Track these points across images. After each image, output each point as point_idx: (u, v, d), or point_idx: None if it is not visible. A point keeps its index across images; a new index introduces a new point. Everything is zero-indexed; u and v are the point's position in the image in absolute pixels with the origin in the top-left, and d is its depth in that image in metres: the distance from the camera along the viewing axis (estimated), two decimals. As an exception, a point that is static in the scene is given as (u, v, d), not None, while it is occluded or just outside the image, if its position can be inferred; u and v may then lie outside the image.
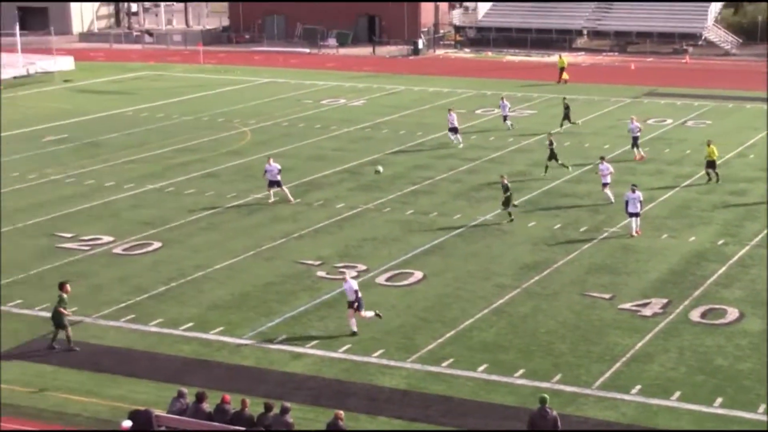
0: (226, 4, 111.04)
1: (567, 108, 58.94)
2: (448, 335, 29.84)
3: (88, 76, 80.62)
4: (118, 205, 43.37)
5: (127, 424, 22.59)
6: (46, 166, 49.89)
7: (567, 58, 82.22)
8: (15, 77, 78.48)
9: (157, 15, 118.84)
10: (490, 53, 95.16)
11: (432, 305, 32.26)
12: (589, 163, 50.76)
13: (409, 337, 29.72)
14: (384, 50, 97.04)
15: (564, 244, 38.28)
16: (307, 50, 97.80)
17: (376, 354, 28.53)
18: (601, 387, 26.60)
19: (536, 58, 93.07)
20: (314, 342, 29.27)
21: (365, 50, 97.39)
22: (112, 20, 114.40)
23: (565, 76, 78.14)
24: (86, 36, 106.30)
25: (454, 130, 54.39)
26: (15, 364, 27.72)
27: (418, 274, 35.02)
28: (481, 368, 27.62)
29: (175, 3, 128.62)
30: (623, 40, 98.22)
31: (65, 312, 28.81)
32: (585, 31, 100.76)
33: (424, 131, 58.83)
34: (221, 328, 30.24)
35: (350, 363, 28.00)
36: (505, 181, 41.01)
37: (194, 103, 68.87)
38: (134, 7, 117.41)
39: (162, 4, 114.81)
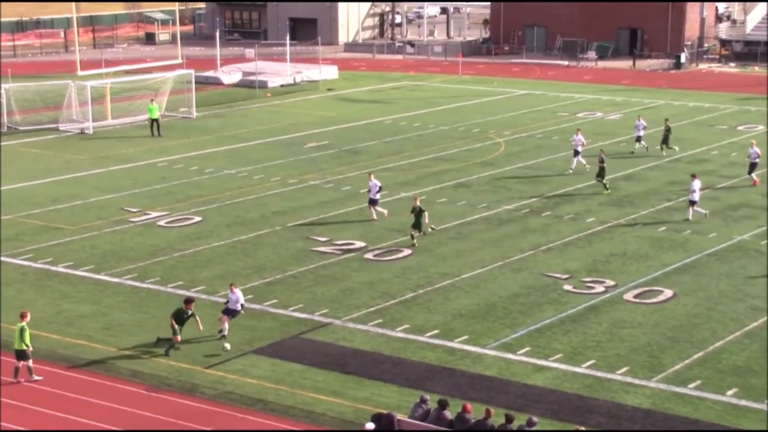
0: (487, 16, 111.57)
1: (668, 130, 55.31)
2: (696, 356, 28.96)
3: (350, 85, 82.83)
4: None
5: (370, 426, 23.03)
6: (307, 172, 51.55)
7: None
8: (282, 85, 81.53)
9: (419, 26, 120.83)
10: (756, 68, 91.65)
11: (681, 324, 31.39)
12: None
13: (655, 356, 29.02)
14: (644, 63, 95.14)
15: (826, 268, 36.43)
16: (566, 62, 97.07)
17: (620, 371, 28.00)
18: None
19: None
20: (557, 355, 29.01)
21: (625, 63, 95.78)
22: (377, 31, 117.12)
23: None
24: (351, 46, 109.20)
25: (576, 153, 51.29)
26: (266, 361, 28.76)
27: (668, 293, 34.14)
28: (730, 392, 26.67)
29: (437, 15, 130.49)
30: None
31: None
32: None
33: (682, 147, 57.27)
34: (465, 337, 30.41)
35: (593, 379, 27.60)
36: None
37: (451, 113, 69.59)
38: (398, 18, 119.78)
39: (425, 15, 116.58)
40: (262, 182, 49.55)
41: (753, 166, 48.89)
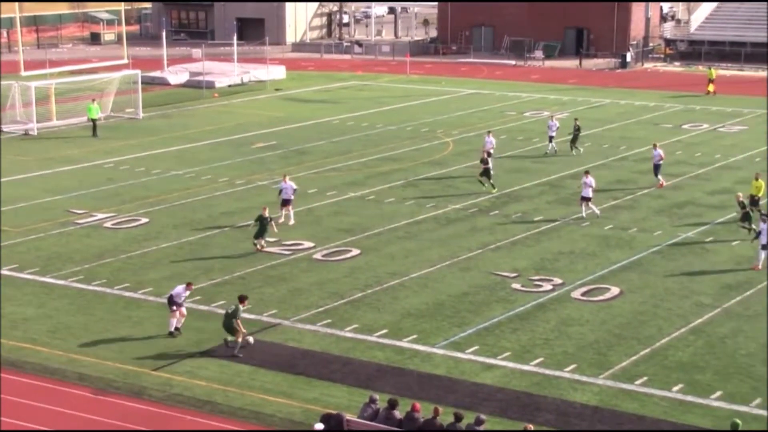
0: (435, 15, 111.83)
1: (577, 130, 55.59)
2: (642, 353, 29.24)
3: (298, 85, 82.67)
4: (320, 211, 44.30)
5: (319, 426, 22.97)
6: (255, 172, 51.39)
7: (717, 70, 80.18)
8: (230, 85, 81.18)
9: (367, 26, 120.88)
10: (701, 67, 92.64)
11: (628, 322, 31.68)
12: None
13: (602, 353, 29.26)
14: (591, 63, 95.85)
15: (769, 264, 36.92)
16: (513, 62, 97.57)
17: (568, 369, 28.21)
18: (802, 414, 25.57)
19: (749, 72, 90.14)
20: (506, 354, 29.16)
21: (572, 63, 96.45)
22: (324, 31, 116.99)
23: (710, 88, 76.52)
24: (299, 46, 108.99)
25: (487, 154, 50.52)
26: (215, 362, 28.65)
27: (615, 290, 34.45)
28: (676, 388, 26.95)
29: (385, 15, 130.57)
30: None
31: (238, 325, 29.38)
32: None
33: (628, 145, 57.82)
34: (414, 336, 30.48)
35: (541, 376, 27.78)
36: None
37: (399, 112, 69.70)
38: (346, 18, 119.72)
39: (372, 15, 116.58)
40: (210, 183, 49.33)
41: (657, 168, 48.55)
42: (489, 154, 48.96)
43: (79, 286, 34.87)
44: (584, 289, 34.58)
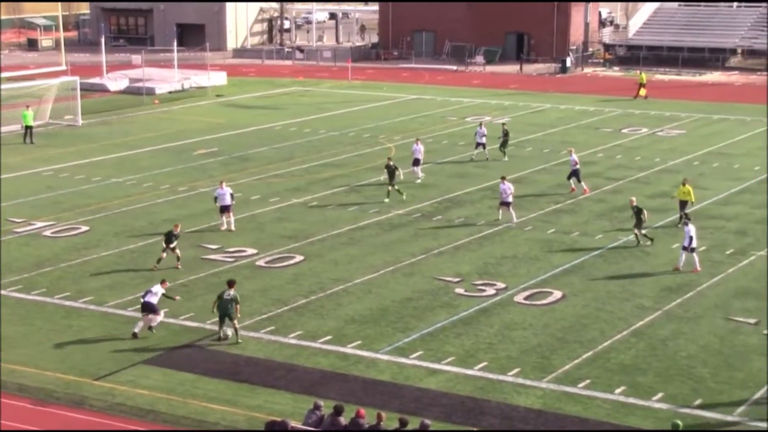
0: (376, 21, 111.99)
1: (506, 135, 56.13)
2: (585, 356, 29.47)
3: (239, 91, 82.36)
4: (263, 218, 44.15)
5: (264, 433, 22.94)
6: (197, 179, 51.10)
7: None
8: (170, 92, 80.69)
9: (308, 32, 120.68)
10: (639, 72, 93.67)
11: (570, 325, 31.91)
12: (739, 185, 49.58)
13: (545, 357, 29.45)
14: (531, 68, 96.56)
15: (708, 266, 37.40)
16: (454, 67, 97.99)
17: (511, 372, 28.35)
18: (743, 414, 25.90)
19: (687, 77, 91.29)
20: (450, 359, 29.24)
21: (512, 68, 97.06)
22: (265, 37, 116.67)
23: (642, 92, 77.63)
24: (240, 52, 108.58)
25: (416, 162, 50.91)
26: (157, 371, 28.42)
27: (557, 294, 34.69)
28: (618, 390, 27.19)
29: (326, 20, 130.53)
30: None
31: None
32: (739, 50, 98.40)
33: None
34: (358, 342, 30.47)
35: (485, 381, 27.89)
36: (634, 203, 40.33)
37: (341, 118, 69.70)
38: (287, 24, 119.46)
39: (314, 21, 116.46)
40: (151, 190, 48.97)
41: (576, 174, 48.43)
42: (417, 162, 49.99)
43: (18, 296, 34.43)
44: (527, 293, 34.79)
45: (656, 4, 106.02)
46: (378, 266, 37.61)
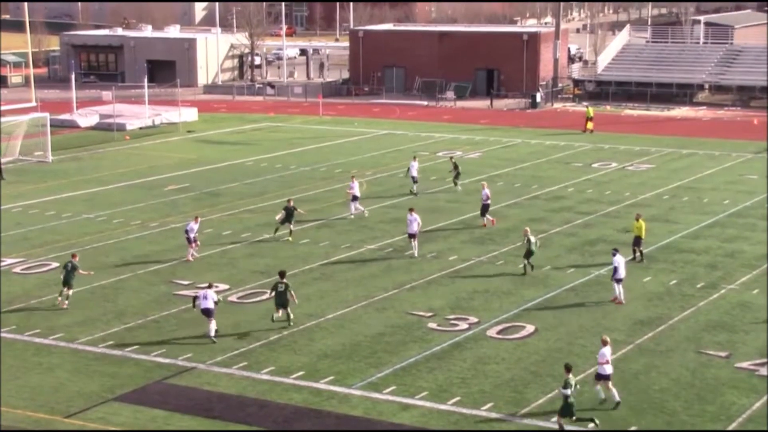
0: (346, 57, 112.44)
1: (456, 168, 57.10)
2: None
3: (210, 126, 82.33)
4: (235, 253, 44.06)
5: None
6: (168, 215, 50.97)
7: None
8: (141, 128, 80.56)
9: (279, 68, 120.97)
10: (608, 107, 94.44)
11: (543, 359, 31.96)
12: (709, 219, 49.94)
13: (518, 391, 29.46)
14: (502, 103, 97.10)
15: (679, 299, 37.63)
16: (425, 103, 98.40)
17: (485, 407, 28.34)
18: (715, 447, 25.99)
19: (655, 112, 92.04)
20: (423, 393, 29.20)
21: (483, 103, 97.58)
22: (236, 73, 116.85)
23: (589, 125, 79.20)
24: (211, 88, 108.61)
25: (355, 198, 50.83)
26: (129, 408, 28.22)
27: (530, 328, 34.76)
28: (591, 425, 27.18)
29: (297, 56, 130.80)
30: (746, 95, 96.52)
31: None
32: (707, 86, 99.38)
33: (540, 184, 58.57)
34: (331, 378, 30.39)
35: (459, 415, 27.87)
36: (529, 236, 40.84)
37: (312, 153, 69.78)
38: (257, 60, 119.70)
39: (284, 57, 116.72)
40: (123, 226, 48.80)
41: (485, 208, 48.66)
42: (355, 198, 50.16)
43: (-12, 333, 34.14)
44: (500, 327, 34.83)
45: (624, 40, 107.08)
46: (350, 301, 37.58)
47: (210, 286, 34.25)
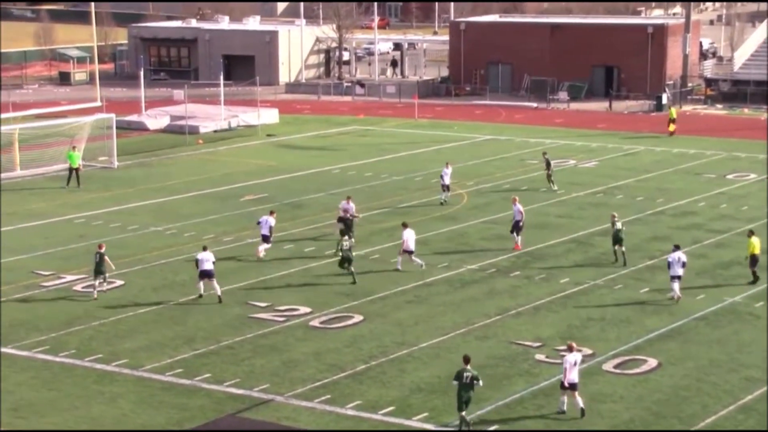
0: (446, 53, 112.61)
1: (548, 165, 59.55)
2: (684, 434, 29.15)
3: (292, 130, 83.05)
4: (317, 272, 44.33)
5: None
6: (244, 228, 51.48)
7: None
8: (215, 131, 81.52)
9: (370, 64, 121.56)
10: (746, 110, 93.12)
11: (667, 398, 31.60)
12: None
13: (639, 434, 29.16)
14: (622, 105, 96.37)
15: (827, 332, 36.90)
16: (535, 104, 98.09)
17: (600, 451, 28.10)
18: None
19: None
20: (529, 434, 29.08)
21: (600, 105, 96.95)
22: (322, 70, 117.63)
23: (671, 128, 79.75)
24: (293, 87, 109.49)
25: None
26: (199, 444, 28.55)
27: (653, 362, 34.39)
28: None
29: (390, 51, 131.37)
30: None
31: None
32: None
33: (666, 198, 57.97)
34: (425, 414, 30.40)
35: (570, 461, 27.66)
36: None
37: (406, 161, 69.97)
38: (346, 55, 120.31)
39: (376, 53, 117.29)
40: (194, 240, 49.42)
41: (516, 226, 47.89)
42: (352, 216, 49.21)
43: (45, 357, 34.82)
44: (617, 360, 34.53)
45: (765, 34, 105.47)
46: (447, 328, 37.55)
47: (205, 249, 40.51)
